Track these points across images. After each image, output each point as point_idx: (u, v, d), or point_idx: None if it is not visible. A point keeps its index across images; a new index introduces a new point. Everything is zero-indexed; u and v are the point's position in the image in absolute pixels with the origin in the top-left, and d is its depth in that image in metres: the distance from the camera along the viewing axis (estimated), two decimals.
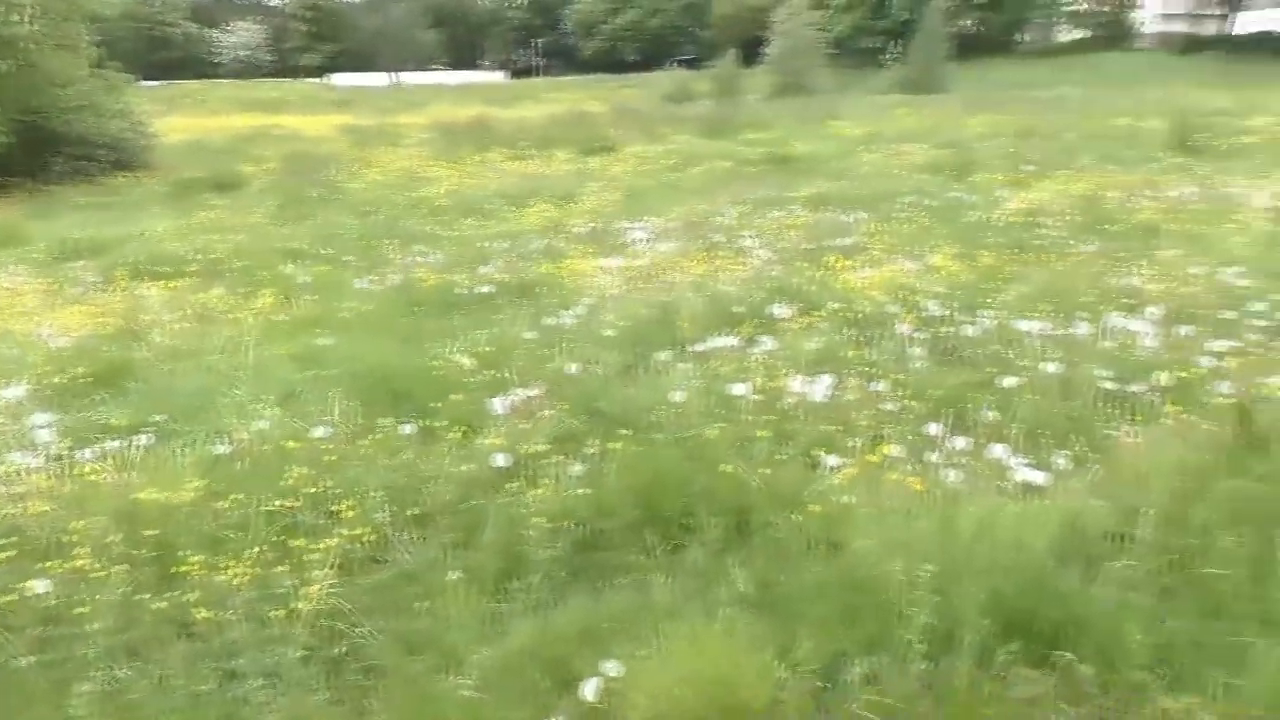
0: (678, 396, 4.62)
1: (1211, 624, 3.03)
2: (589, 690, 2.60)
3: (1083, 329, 5.37)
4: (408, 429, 4.58)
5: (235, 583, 3.27)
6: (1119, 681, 2.86)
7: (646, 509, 3.85)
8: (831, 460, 3.97)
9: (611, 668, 2.61)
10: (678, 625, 2.92)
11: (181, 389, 5.46)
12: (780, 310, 6.00)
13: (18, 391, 5.22)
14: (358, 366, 5.56)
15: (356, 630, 3.27)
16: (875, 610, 3.08)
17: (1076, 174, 12.82)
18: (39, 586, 3.30)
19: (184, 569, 3.38)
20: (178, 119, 31.51)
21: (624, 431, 4.34)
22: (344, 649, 3.21)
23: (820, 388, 4.66)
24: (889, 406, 4.47)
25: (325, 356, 5.90)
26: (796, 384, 4.72)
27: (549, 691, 2.90)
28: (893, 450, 4.05)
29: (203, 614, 3.12)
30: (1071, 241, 8.42)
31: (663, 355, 5.36)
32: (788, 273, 7.29)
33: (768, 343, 5.34)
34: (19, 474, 4.14)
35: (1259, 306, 5.68)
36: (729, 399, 4.66)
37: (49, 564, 3.38)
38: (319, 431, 4.53)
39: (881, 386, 4.70)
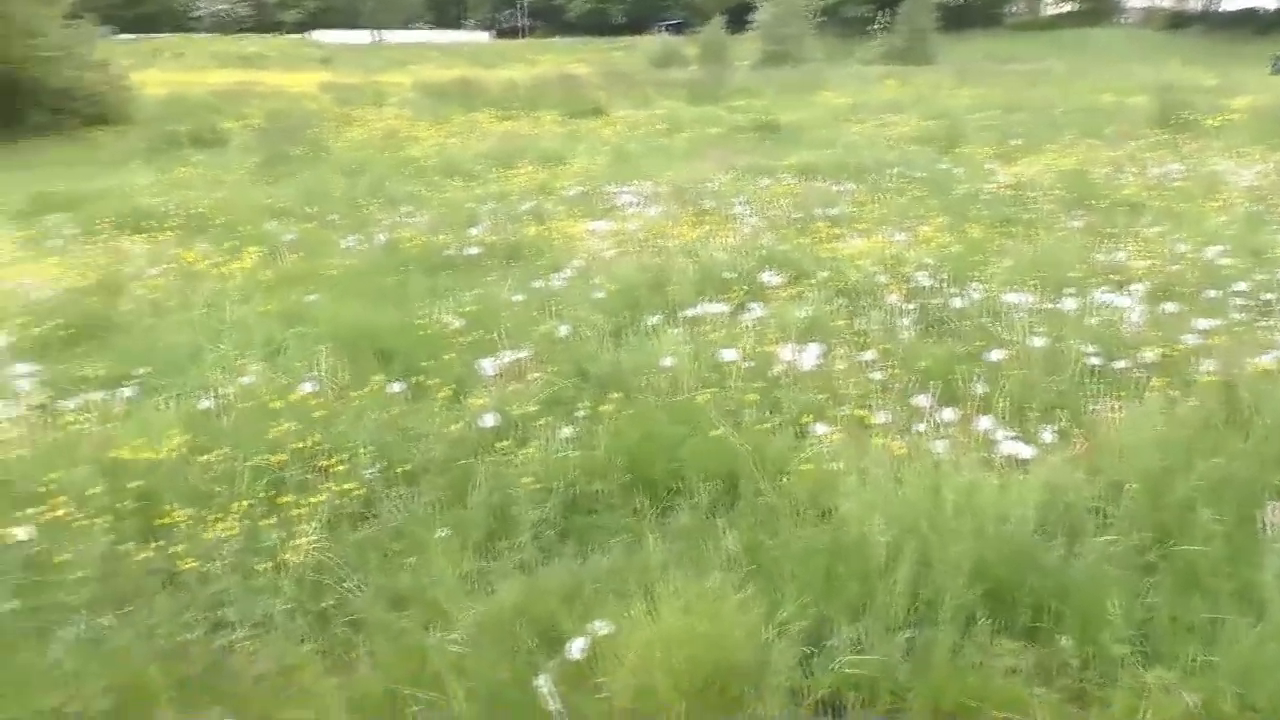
0: (668, 361, 4.61)
1: (1189, 600, 3.07)
2: (576, 649, 2.61)
3: (1069, 304, 5.39)
4: (395, 388, 4.56)
5: (222, 535, 3.25)
6: (1098, 655, 2.90)
7: (636, 472, 3.86)
8: (820, 428, 3.98)
9: (600, 626, 2.62)
10: (666, 586, 2.93)
11: (164, 343, 5.41)
12: (770, 278, 5.99)
13: None
14: (343, 324, 5.51)
15: (343, 585, 3.27)
16: (860, 576, 3.10)
17: (1063, 149, 12.83)
18: (20, 533, 3.28)
19: (168, 521, 3.35)
20: (156, 73, 30.99)
21: (614, 394, 4.34)
22: (330, 603, 3.21)
23: (809, 356, 4.66)
24: (877, 376, 4.48)
25: (311, 314, 5.86)
26: (786, 352, 4.72)
27: (536, 650, 2.91)
28: (880, 420, 4.07)
29: (189, 564, 3.10)
30: (1058, 216, 8.44)
31: (653, 320, 5.34)
32: (777, 240, 7.27)
33: (757, 310, 5.34)
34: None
35: (1242, 286, 5.72)
36: (719, 365, 4.66)
37: (30, 511, 3.35)
38: (305, 388, 4.50)
39: (870, 356, 4.71)
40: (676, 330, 5.26)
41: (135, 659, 2.85)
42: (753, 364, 4.68)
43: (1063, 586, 3.09)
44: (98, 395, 4.48)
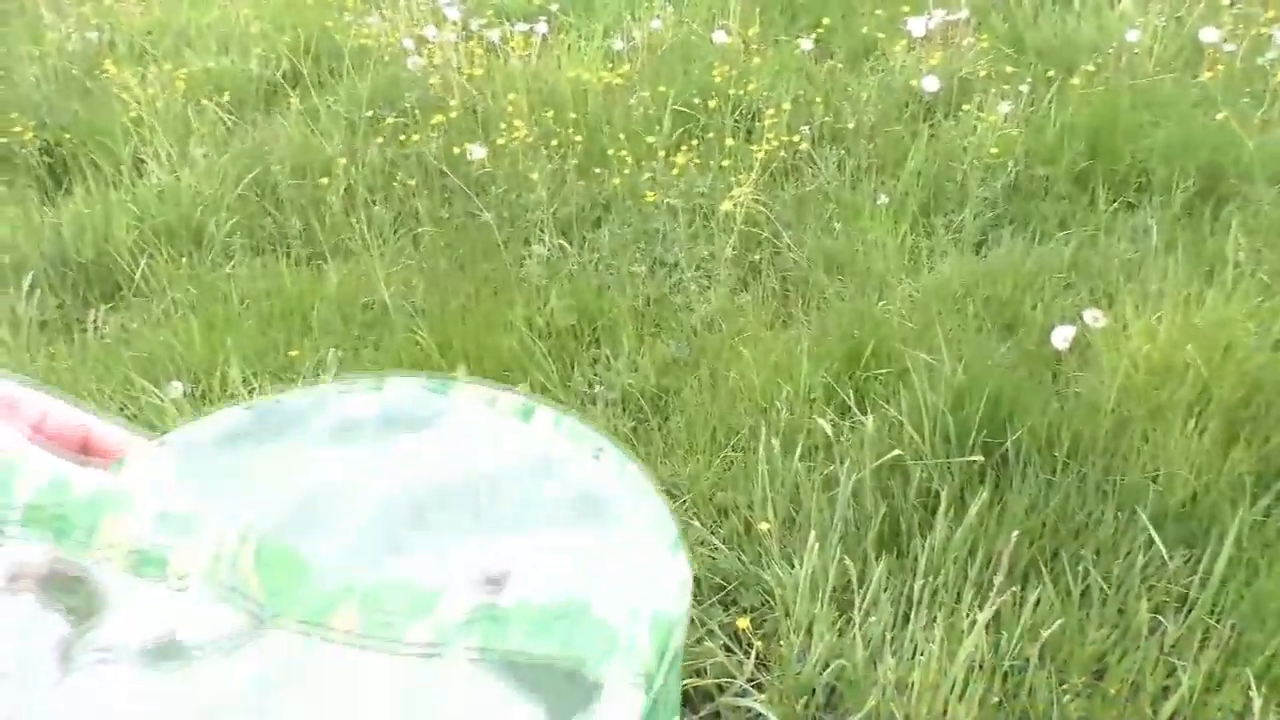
0: (1133, 36, 3.95)
1: None
2: (1060, 338, 2.38)
3: None
4: (807, 45, 4.24)
5: (660, 176, 3.22)
6: None
7: (1091, 158, 3.42)
8: None
9: (1094, 317, 2.36)
10: (1140, 283, 2.61)
11: None
12: None
13: None
14: None
15: (777, 240, 3.19)
16: None
17: None
18: (477, 151, 3.41)
19: (610, 153, 3.36)
20: None
21: (1063, 70, 3.81)
22: (763, 255, 3.16)
23: None
24: None
25: None
26: None
27: (991, 333, 2.72)
28: None
29: (649, 196, 3.12)
30: None
31: None
32: None
33: None
34: (437, 47, 4.22)
35: None
36: (1197, 44, 3.93)
37: (484, 133, 3.47)
38: (718, 37, 4.28)
39: None
40: (1126, 3, 4.49)
41: (590, 282, 2.96)
42: (1238, 47, 3.91)
43: None
44: (517, 28, 4.49)
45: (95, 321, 2.94)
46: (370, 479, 0.45)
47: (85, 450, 0.49)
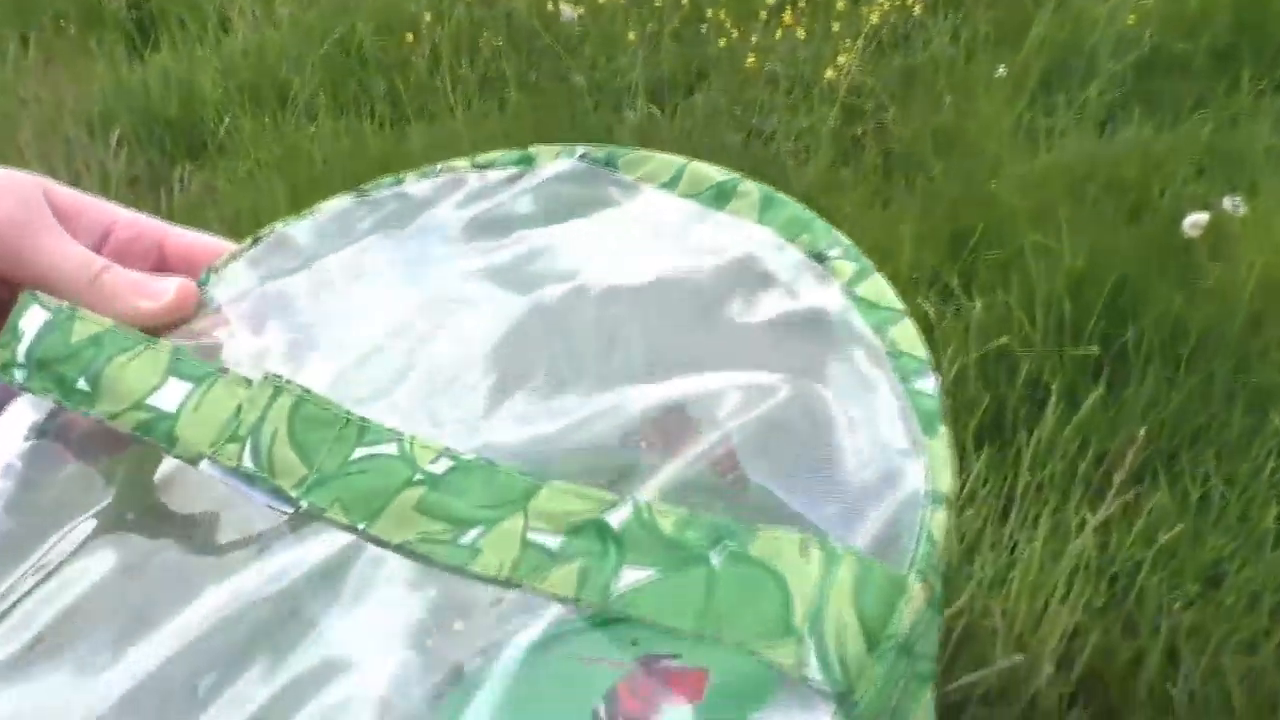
0: None
1: None
2: (1190, 223, 2.18)
3: None
4: None
5: (758, 40, 3.03)
6: None
7: (1237, 35, 3.11)
8: None
9: (1233, 204, 2.15)
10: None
11: None
12: None
13: None
14: None
15: (883, 114, 2.99)
16: None
17: None
18: (567, 11, 3.25)
19: (710, 14, 3.17)
20: None
21: None
22: (866, 130, 2.97)
23: None
24: None
25: None
26: None
27: (1114, 220, 2.52)
28: None
29: (750, 60, 2.94)
30: None
31: None
32: None
33: None
34: None
35: None
36: None
37: None
38: None
39: None
40: None
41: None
42: None
43: None
44: None
45: (181, 179, 2.91)
46: (491, 302, 0.34)
47: (162, 263, 0.42)
